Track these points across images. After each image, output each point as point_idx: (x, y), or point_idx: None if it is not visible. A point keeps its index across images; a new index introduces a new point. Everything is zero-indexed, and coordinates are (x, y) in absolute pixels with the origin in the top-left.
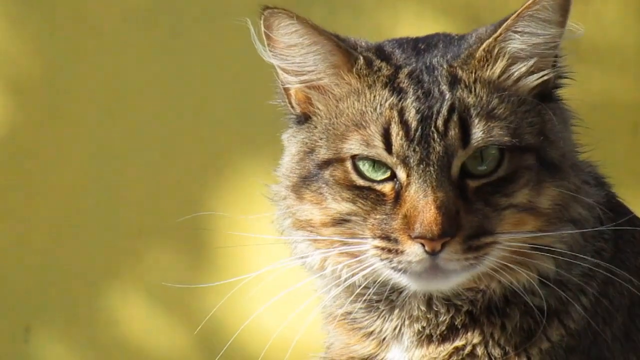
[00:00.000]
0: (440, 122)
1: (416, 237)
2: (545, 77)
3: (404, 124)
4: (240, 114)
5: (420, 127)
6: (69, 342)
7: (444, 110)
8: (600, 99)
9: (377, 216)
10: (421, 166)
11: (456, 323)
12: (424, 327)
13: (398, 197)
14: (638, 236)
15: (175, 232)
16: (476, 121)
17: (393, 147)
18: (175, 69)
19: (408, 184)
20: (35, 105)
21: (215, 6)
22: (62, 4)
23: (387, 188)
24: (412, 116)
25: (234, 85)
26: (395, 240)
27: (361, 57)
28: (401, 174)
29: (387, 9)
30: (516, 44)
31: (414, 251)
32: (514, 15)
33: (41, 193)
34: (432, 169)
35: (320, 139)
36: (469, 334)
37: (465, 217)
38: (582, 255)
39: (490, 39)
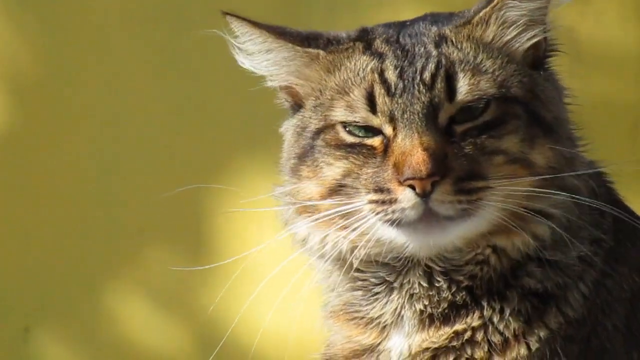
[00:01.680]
0: (427, 75)
1: (406, 180)
2: (536, 39)
3: (384, 82)
4: (240, 114)
5: (401, 82)
6: (68, 342)
7: (431, 65)
8: (600, 99)
9: (369, 170)
10: (405, 115)
11: (457, 300)
12: (425, 306)
13: (387, 149)
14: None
15: (175, 232)
16: (461, 76)
17: (377, 106)
18: (176, 68)
19: (395, 135)
20: (35, 105)
21: (215, 6)
22: (62, 4)
23: (376, 142)
24: (391, 72)
25: (235, 85)
26: (388, 190)
27: (320, 52)
28: (388, 129)
29: (387, 8)
30: (513, 11)
31: (406, 196)
32: None
33: (41, 193)
34: (416, 116)
35: (311, 116)
36: (468, 317)
37: (454, 160)
38: (579, 238)
39: (488, 8)
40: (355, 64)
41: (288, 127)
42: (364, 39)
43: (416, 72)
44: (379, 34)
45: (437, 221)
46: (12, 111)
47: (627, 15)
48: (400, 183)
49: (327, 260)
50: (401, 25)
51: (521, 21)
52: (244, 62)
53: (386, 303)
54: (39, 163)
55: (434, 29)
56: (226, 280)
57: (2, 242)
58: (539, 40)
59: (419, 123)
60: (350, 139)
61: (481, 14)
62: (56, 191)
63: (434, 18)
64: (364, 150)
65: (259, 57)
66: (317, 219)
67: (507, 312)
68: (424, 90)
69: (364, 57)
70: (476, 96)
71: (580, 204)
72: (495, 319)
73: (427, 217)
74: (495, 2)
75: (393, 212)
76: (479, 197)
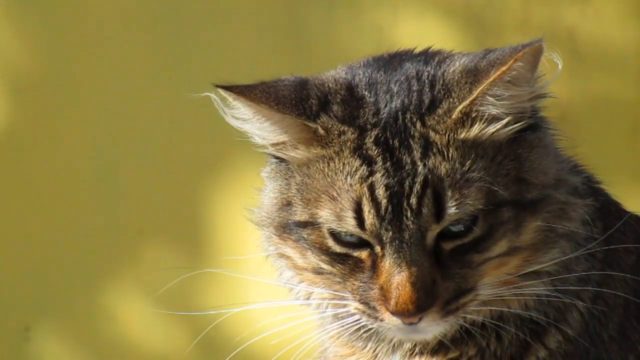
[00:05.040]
0: (413, 201)
1: (393, 313)
2: (522, 127)
3: (374, 201)
4: None
5: (390, 205)
6: (69, 341)
7: (417, 187)
8: (600, 99)
9: (355, 282)
10: (394, 243)
11: (446, 339)
12: (414, 345)
13: (374, 265)
14: (629, 234)
15: (175, 232)
16: (449, 194)
17: (365, 224)
18: (176, 68)
19: (383, 255)
20: (35, 105)
21: (215, 6)
22: (62, 4)
23: (364, 255)
24: (382, 194)
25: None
26: (374, 309)
27: (320, 128)
28: (376, 247)
29: (387, 8)
30: (493, 107)
31: (392, 322)
32: (489, 81)
33: (41, 193)
34: (405, 245)
35: (295, 195)
36: (462, 345)
37: (442, 285)
38: (575, 267)
39: (467, 102)
40: (344, 164)
41: (270, 179)
42: (350, 122)
43: (404, 195)
44: (367, 121)
45: (422, 331)
46: (12, 111)
47: (627, 15)
48: (388, 309)
49: (313, 310)
50: (388, 90)
51: (504, 115)
52: (235, 124)
53: (377, 341)
54: (38, 163)
55: (419, 124)
56: (226, 280)
57: (2, 242)
58: (524, 127)
59: (407, 251)
60: (337, 248)
61: (460, 107)
62: (56, 191)
63: (419, 78)
64: (350, 262)
65: (252, 124)
66: (301, 274)
67: (505, 340)
68: (412, 218)
69: (353, 161)
70: (464, 214)
71: (574, 238)
72: (492, 347)
73: (413, 329)
74: (474, 96)
75: (379, 326)
76: (466, 308)
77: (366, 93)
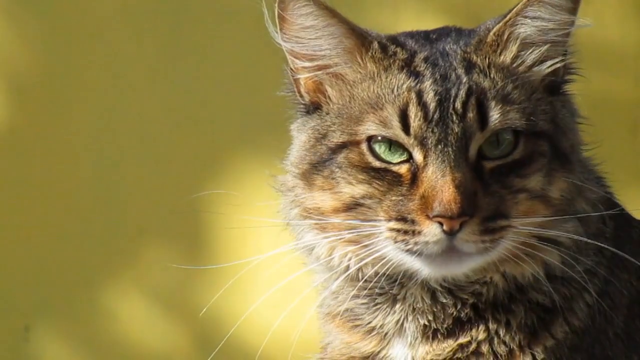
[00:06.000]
0: (458, 105)
1: (435, 217)
2: (556, 66)
3: (422, 105)
4: (241, 113)
5: (438, 109)
6: (68, 341)
7: (462, 93)
8: (600, 98)
9: (393, 197)
10: (439, 147)
11: (462, 316)
12: (430, 321)
13: (415, 178)
14: (636, 236)
15: (175, 231)
16: (493, 104)
17: (411, 128)
18: (176, 67)
19: (425, 165)
20: (35, 105)
21: (215, 4)
22: (62, 4)
23: (403, 169)
24: (430, 98)
25: (235, 84)
26: (412, 221)
27: (375, 42)
28: (418, 155)
29: (387, 8)
30: (526, 28)
31: (431, 231)
32: (524, 0)
33: (41, 193)
34: (450, 149)
35: (334, 123)
36: (473, 330)
37: (482, 199)
38: (585, 252)
39: (500, 24)
40: (390, 79)
41: (301, 127)
42: (402, 47)
43: (450, 100)
44: (415, 48)
45: (457, 256)
46: (12, 111)
47: (627, 15)
48: (428, 217)
49: (332, 272)
50: (428, 39)
51: (538, 43)
52: (287, 39)
53: (388, 314)
54: (38, 163)
55: (460, 51)
56: (226, 279)
57: (2, 242)
58: (558, 66)
59: (452, 156)
60: (376, 163)
61: (495, 29)
62: (56, 191)
63: (458, 33)
64: (388, 177)
65: (310, 33)
66: (324, 229)
67: (514, 325)
68: (457, 121)
69: (401, 75)
70: (507, 125)
71: (587, 221)
72: (501, 332)
73: (448, 252)
74: (508, 17)
75: (415, 243)
76: (501, 236)
77: (409, 40)
